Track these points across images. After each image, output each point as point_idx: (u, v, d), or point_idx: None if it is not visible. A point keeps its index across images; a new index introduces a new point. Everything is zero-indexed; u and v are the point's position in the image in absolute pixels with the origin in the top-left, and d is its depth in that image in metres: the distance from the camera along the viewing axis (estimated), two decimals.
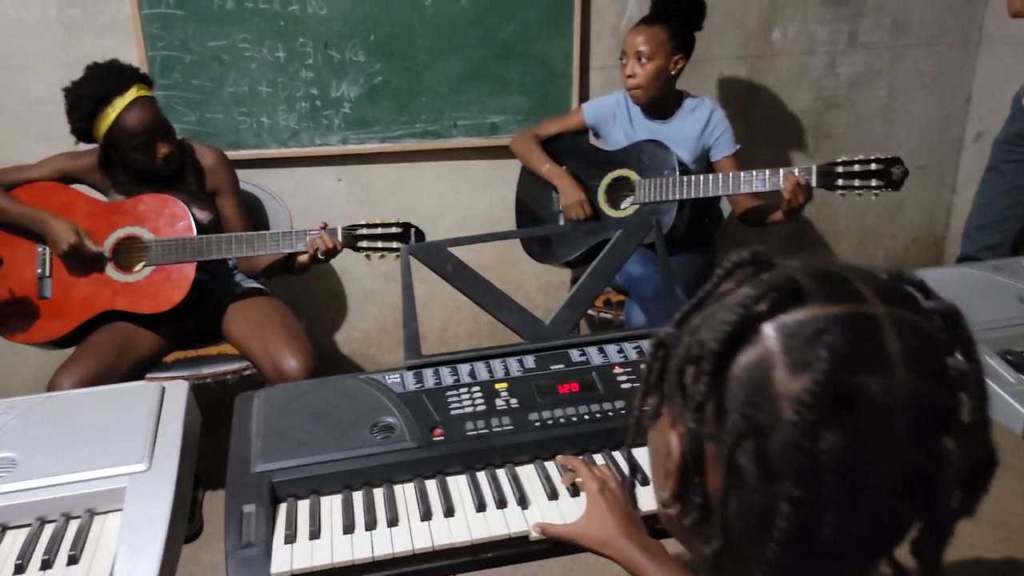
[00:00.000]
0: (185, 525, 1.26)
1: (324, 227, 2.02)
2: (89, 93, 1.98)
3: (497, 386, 1.38)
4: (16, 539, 1.15)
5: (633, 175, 2.39)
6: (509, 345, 1.50)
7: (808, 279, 0.56)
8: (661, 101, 2.39)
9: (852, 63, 3.02)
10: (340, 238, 2.03)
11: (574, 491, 1.22)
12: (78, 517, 1.18)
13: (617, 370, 1.42)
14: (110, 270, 2.10)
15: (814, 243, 3.24)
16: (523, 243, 2.62)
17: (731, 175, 2.25)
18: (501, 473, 1.27)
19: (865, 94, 3.08)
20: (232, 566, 1.11)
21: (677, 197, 2.30)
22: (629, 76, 2.32)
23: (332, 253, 2.03)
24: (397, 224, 2.03)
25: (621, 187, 2.43)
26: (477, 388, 1.38)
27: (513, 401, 1.35)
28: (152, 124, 2.02)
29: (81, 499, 1.19)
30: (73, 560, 1.11)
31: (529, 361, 1.44)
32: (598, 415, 1.33)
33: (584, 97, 2.76)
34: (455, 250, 1.51)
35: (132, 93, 2.00)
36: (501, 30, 2.66)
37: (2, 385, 2.67)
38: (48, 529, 1.16)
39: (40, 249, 2.12)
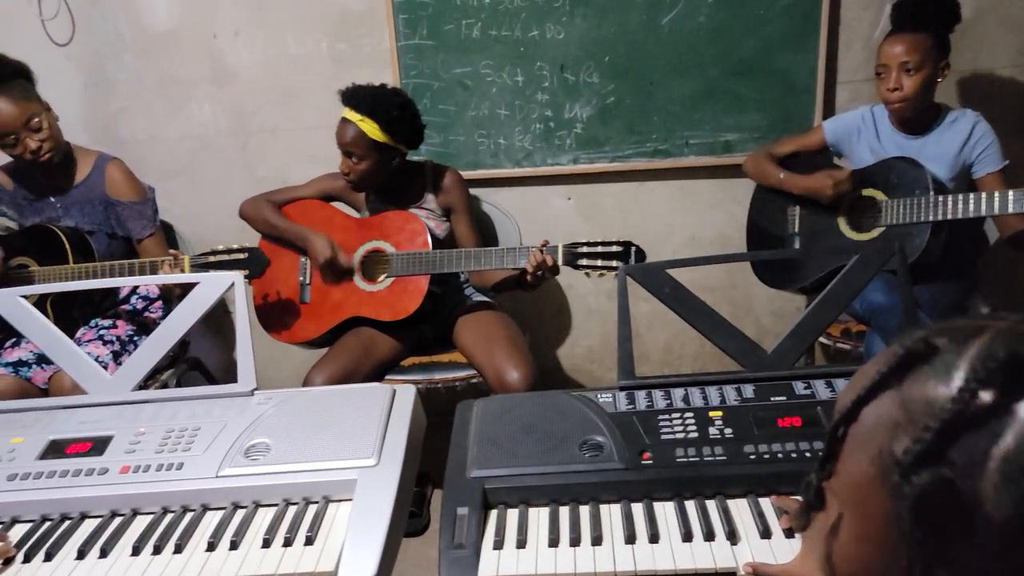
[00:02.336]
0: (406, 519, 1.35)
1: (545, 244, 2.08)
2: (344, 95, 2.24)
3: (711, 414, 1.34)
4: (266, 516, 1.30)
5: (879, 195, 2.21)
6: (726, 372, 1.44)
7: None
8: (919, 114, 2.20)
9: None
10: (560, 255, 2.08)
11: (789, 532, 1.15)
12: (316, 502, 1.31)
13: None
14: (358, 280, 2.31)
15: None
16: (755, 268, 2.51)
17: (994, 194, 2.01)
18: (711, 504, 1.23)
19: None
20: (444, 564, 1.17)
21: (930, 218, 2.09)
22: (894, 89, 2.14)
23: (553, 270, 2.08)
24: (617, 243, 2.04)
25: (866, 208, 2.25)
26: (690, 414, 1.34)
27: (728, 431, 1.30)
28: (342, 141, 2.22)
29: (320, 486, 1.32)
30: (309, 541, 1.23)
31: (747, 390, 1.38)
32: (821, 454, 1.24)
33: (829, 113, 2.59)
34: (676, 271, 1.49)
35: (348, 113, 2.21)
36: (740, 46, 2.58)
37: (271, 378, 3.02)
38: (291, 510, 1.30)
39: (302, 260, 2.38)
